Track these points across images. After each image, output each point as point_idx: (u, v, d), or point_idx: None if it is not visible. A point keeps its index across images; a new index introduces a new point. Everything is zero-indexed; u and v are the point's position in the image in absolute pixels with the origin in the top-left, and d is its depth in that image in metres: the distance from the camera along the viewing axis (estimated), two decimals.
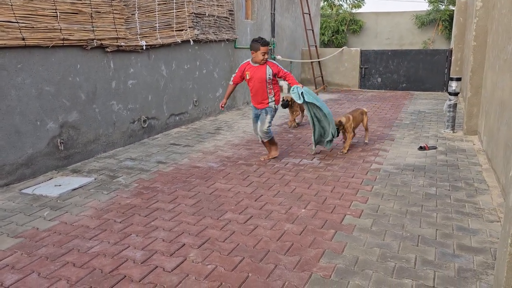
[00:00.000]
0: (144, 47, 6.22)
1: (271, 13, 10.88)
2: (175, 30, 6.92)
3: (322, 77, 12.63)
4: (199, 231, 3.43)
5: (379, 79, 12.53)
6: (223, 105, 5.25)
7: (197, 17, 7.38)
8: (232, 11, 8.65)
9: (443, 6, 19.12)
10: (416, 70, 12.09)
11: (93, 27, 5.30)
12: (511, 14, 4.33)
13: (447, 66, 11.62)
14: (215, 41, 8.15)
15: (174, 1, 6.78)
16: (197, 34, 7.39)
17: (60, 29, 4.86)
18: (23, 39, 4.46)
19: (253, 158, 5.48)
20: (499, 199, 4.04)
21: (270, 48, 10.81)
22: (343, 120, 5.59)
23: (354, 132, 5.90)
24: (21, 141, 4.58)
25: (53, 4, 4.77)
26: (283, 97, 6.98)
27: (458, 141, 6.29)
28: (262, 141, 5.31)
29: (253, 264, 2.92)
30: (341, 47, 13.26)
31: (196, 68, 7.70)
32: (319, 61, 12.58)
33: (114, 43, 5.65)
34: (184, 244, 3.21)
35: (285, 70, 5.11)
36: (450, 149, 5.87)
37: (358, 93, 12.02)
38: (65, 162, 5.15)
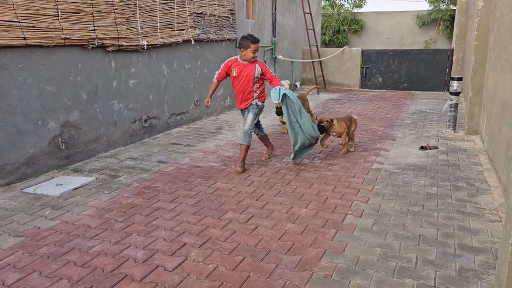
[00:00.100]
0: (145, 47, 6.22)
1: (272, 13, 10.88)
2: (176, 30, 6.92)
3: (323, 76, 12.62)
4: (200, 231, 3.43)
5: (380, 79, 12.52)
6: (208, 104, 5.05)
7: (198, 16, 7.38)
8: (233, 10, 8.65)
9: (444, 6, 19.09)
10: (417, 70, 12.07)
11: (94, 26, 5.30)
12: None
13: (448, 65, 11.61)
14: (216, 40, 8.15)
15: (175, 1, 6.78)
16: (198, 34, 7.39)
17: (62, 29, 4.87)
18: (25, 38, 4.46)
19: (254, 158, 5.48)
20: (500, 199, 4.03)
21: (272, 46, 10.83)
22: (334, 122, 5.41)
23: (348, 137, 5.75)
24: (22, 140, 4.59)
25: (55, 4, 4.77)
26: (276, 105, 6.77)
27: (460, 141, 6.28)
28: (260, 138, 5.30)
29: (254, 264, 2.92)
30: (342, 47, 13.24)
31: (197, 67, 7.70)
32: (320, 61, 12.58)
33: (115, 43, 5.65)
34: (185, 244, 3.21)
35: (273, 74, 4.99)
36: (451, 149, 5.86)
37: (359, 92, 12.02)
38: (66, 162, 5.15)
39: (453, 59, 11.02)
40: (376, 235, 3.33)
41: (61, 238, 3.31)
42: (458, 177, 4.68)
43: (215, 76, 5.02)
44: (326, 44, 20.33)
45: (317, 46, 12.62)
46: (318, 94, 11.60)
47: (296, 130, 4.91)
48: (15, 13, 4.37)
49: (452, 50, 11.34)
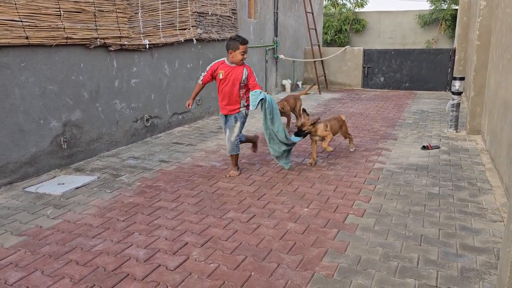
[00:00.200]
0: (147, 46, 6.23)
1: (274, 12, 10.88)
2: (178, 29, 6.92)
3: (324, 76, 12.61)
4: (201, 230, 3.43)
5: (382, 79, 12.51)
6: (189, 105, 4.83)
7: (200, 16, 7.38)
8: (235, 10, 8.65)
9: (446, 5, 19.06)
10: (419, 70, 12.06)
11: (96, 26, 5.31)
12: None
13: (450, 65, 11.59)
14: (218, 40, 8.15)
15: (177, 0, 6.79)
16: (200, 33, 7.39)
17: (64, 28, 4.88)
18: (27, 38, 4.47)
19: (256, 157, 5.48)
20: (502, 199, 4.03)
21: (274, 46, 10.82)
22: (319, 125, 5.08)
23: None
24: (24, 139, 4.60)
25: (57, 3, 4.78)
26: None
27: (461, 141, 6.28)
28: (242, 141, 4.89)
29: (256, 263, 2.92)
30: (344, 46, 13.24)
31: (199, 67, 7.70)
32: (322, 61, 12.57)
33: (117, 42, 5.66)
34: (187, 243, 3.21)
35: (257, 81, 4.65)
36: (453, 148, 5.86)
37: (361, 92, 12.01)
38: (68, 161, 5.16)
39: (455, 58, 10.99)
40: (377, 234, 3.33)
41: (63, 237, 3.32)
42: (460, 177, 4.68)
43: (201, 78, 4.78)
44: (328, 43, 20.31)
45: (318, 45, 12.61)
46: (320, 94, 11.59)
47: (272, 136, 4.65)
48: (17, 12, 4.37)
49: (454, 50, 11.32)
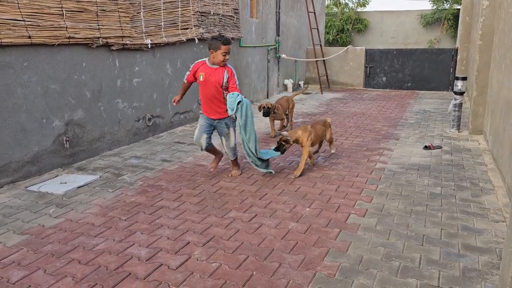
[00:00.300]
0: (149, 46, 6.23)
1: (276, 12, 10.87)
2: (180, 29, 6.93)
3: (326, 76, 12.60)
4: (203, 229, 3.43)
5: (384, 78, 12.49)
6: (175, 101, 4.67)
7: (202, 15, 7.39)
8: (237, 9, 8.65)
9: (448, 5, 19.02)
10: (421, 69, 12.04)
11: (98, 25, 5.32)
12: None
13: (452, 65, 11.57)
14: None
15: (180, 0, 6.79)
16: (202, 33, 7.39)
17: (66, 28, 4.88)
18: (29, 37, 4.48)
19: None
20: (504, 199, 4.02)
21: (276, 45, 10.82)
22: (299, 133, 4.71)
23: (319, 147, 5.36)
24: (27, 138, 4.61)
25: (59, 3, 4.79)
26: (262, 105, 6.33)
27: (464, 141, 6.26)
28: (207, 149, 4.63)
29: (258, 263, 2.92)
30: (346, 46, 13.23)
31: None
32: (323, 60, 12.56)
33: (119, 42, 5.66)
34: (189, 242, 3.22)
35: (237, 85, 4.38)
36: (456, 148, 5.85)
37: (363, 92, 11.99)
38: (70, 160, 5.17)
39: (458, 58, 10.98)
40: (379, 234, 3.33)
41: (65, 236, 3.33)
42: (462, 177, 4.67)
43: (185, 76, 4.58)
44: (330, 43, 20.29)
45: (320, 45, 12.60)
46: (322, 94, 11.59)
47: (244, 143, 4.47)
48: (20, 12, 4.38)
49: (457, 50, 11.30)
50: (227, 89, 4.36)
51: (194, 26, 7.19)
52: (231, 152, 4.66)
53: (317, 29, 12.33)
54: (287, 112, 6.87)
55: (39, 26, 4.58)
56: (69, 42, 4.94)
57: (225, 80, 4.31)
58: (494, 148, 5.15)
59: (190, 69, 4.52)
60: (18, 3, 4.36)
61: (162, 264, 2.91)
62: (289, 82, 11.86)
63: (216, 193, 4.24)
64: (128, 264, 2.92)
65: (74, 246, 3.17)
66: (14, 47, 4.39)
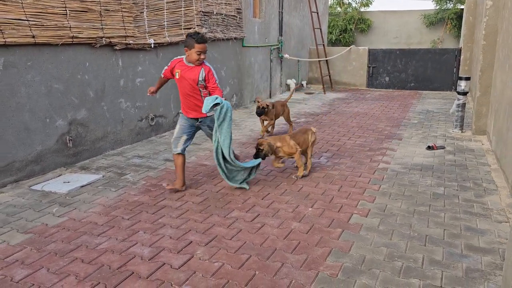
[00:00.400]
0: (153, 45, 6.24)
1: (279, 12, 10.87)
2: (183, 28, 6.94)
3: (329, 76, 12.59)
4: (206, 229, 3.44)
5: (387, 78, 12.47)
6: (149, 93, 4.52)
7: (205, 15, 7.39)
8: (240, 9, 8.65)
9: (451, 5, 18.97)
10: (424, 69, 12.01)
11: (102, 25, 5.33)
12: None
13: (456, 65, 11.54)
14: (223, 39, 8.16)
15: (183, 0, 6.80)
16: (205, 33, 7.39)
17: (70, 27, 4.90)
18: (33, 37, 4.49)
19: None
20: (508, 199, 4.01)
21: (279, 45, 10.82)
22: (278, 144, 4.48)
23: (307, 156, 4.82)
24: (30, 138, 4.63)
25: (63, 2, 4.80)
26: (259, 103, 6.20)
27: (467, 141, 6.25)
28: (178, 155, 4.27)
29: (260, 262, 2.92)
30: (349, 46, 13.21)
31: None
32: (326, 60, 12.55)
33: (122, 41, 5.68)
34: (191, 242, 3.22)
35: (217, 85, 4.14)
36: (459, 149, 5.83)
37: (365, 92, 11.98)
38: (73, 159, 5.19)
39: (461, 58, 10.94)
40: (382, 234, 3.32)
41: (68, 235, 3.34)
42: (465, 177, 4.66)
43: (163, 71, 4.41)
44: (332, 43, 20.28)
45: (323, 45, 12.59)
46: (325, 94, 11.58)
47: (218, 148, 4.10)
48: (24, 11, 4.40)
49: (460, 50, 11.26)
50: (204, 87, 4.16)
51: (197, 25, 7.20)
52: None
53: (320, 29, 12.32)
54: (279, 116, 6.62)
55: (43, 25, 4.60)
56: (72, 41, 4.95)
57: (200, 79, 4.10)
58: (498, 149, 5.14)
59: (168, 64, 4.36)
60: (22, 3, 4.37)
61: (164, 263, 2.92)
62: (292, 82, 11.85)
63: (218, 193, 4.24)
64: (131, 263, 2.93)
65: (77, 245, 3.18)
66: (18, 47, 4.40)
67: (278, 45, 10.95)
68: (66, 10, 4.85)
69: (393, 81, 12.41)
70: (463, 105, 6.70)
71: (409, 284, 2.66)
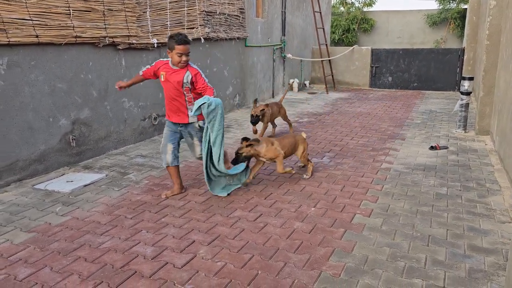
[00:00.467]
0: (155, 45, 6.25)
1: (282, 12, 10.87)
2: (186, 28, 6.94)
3: (332, 75, 12.58)
4: (209, 228, 3.44)
5: (390, 78, 12.44)
6: (117, 86, 4.25)
7: (208, 15, 7.40)
8: (243, 9, 8.66)
9: (454, 5, 18.92)
10: (427, 69, 11.98)
11: (105, 25, 5.34)
12: None
13: (459, 65, 11.51)
14: (226, 39, 8.16)
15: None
16: (208, 32, 7.40)
17: (73, 27, 4.91)
18: (37, 36, 4.51)
19: None
20: (511, 200, 4.00)
21: (282, 45, 10.82)
22: (259, 148, 4.27)
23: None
24: (33, 137, 4.64)
25: (66, 2, 4.82)
26: (253, 112, 6.02)
27: (470, 141, 6.23)
28: (172, 167, 4.16)
29: (263, 262, 2.93)
30: (352, 46, 13.19)
31: (207, 66, 7.71)
32: (329, 60, 12.54)
33: (125, 41, 5.69)
34: (194, 241, 3.23)
35: (207, 84, 3.98)
36: (462, 149, 5.82)
37: (368, 92, 11.96)
38: (77, 159, 5.20)
39: (464, 58, 10.92)
40: (385, 234, 3.32)
41: (71, 234, 3.35)
42: (468, 177, 4.64)
43: (143, 69, 4.23)
44: (335, 43, 20.25)
45: (326, 45, 12.58)
46: (327, 93, 11.57)
47: (207, 150, 3.95)
48: (28, 11, 4.42)
49: (463, 50, 11.23)
50: (190, 90, 3.98)
51: (200, 25, 7.21)
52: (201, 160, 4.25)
53: (323, 28, 12.31)
54: (276, 117, 6.55)
55: (47, 25, 4.61)
56: (76, 41, 4.97)
57: (185, 81, 3.92)
58: (501, 149, 5.12)
59: (152, 64, 4.13)
60: (26, 3, 4.39)
61: (167, 263, 2.92)
62: (294, 82, 11.85)
63: None
64: (134, 262, 2.93)
65: (80, 244, 3.19)
66: (21, 46, 4.42)
67: (281, 45, 10.95)
68: (69, 10, 4.86)
69: (396, 81, 12.39)
70: (466, 105, 6.68)
71: (412, 284, 2.65)
